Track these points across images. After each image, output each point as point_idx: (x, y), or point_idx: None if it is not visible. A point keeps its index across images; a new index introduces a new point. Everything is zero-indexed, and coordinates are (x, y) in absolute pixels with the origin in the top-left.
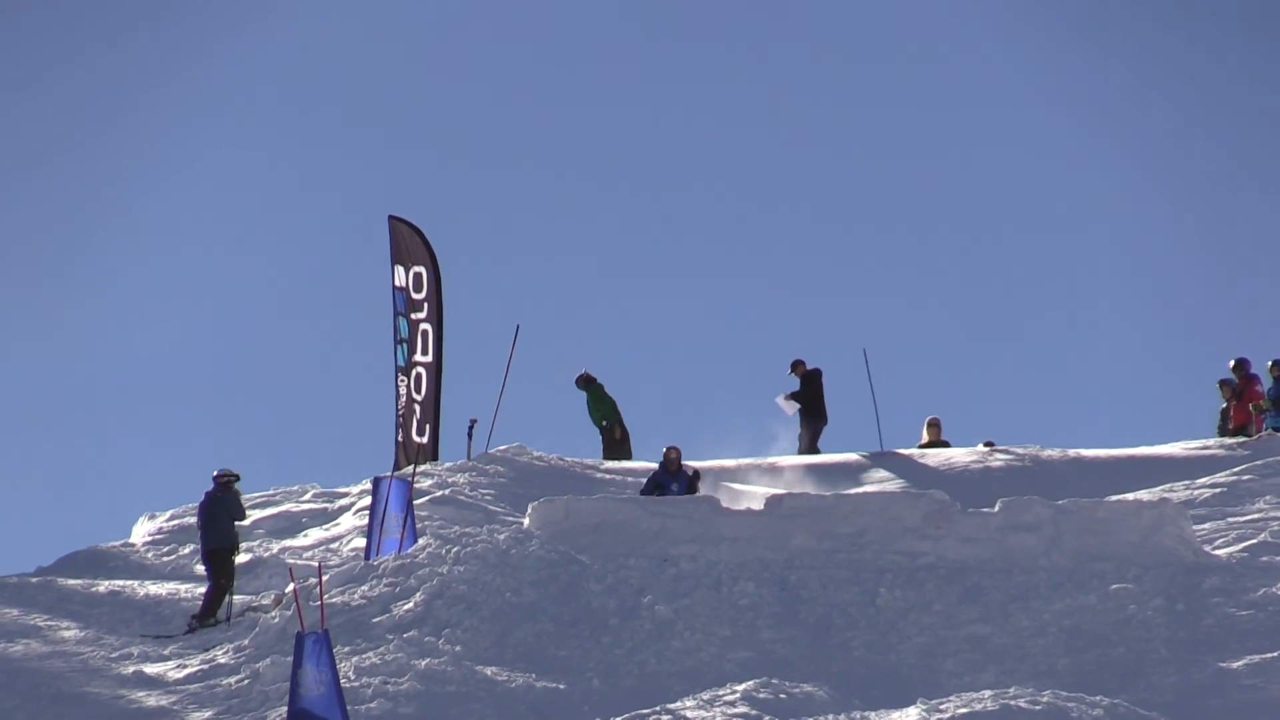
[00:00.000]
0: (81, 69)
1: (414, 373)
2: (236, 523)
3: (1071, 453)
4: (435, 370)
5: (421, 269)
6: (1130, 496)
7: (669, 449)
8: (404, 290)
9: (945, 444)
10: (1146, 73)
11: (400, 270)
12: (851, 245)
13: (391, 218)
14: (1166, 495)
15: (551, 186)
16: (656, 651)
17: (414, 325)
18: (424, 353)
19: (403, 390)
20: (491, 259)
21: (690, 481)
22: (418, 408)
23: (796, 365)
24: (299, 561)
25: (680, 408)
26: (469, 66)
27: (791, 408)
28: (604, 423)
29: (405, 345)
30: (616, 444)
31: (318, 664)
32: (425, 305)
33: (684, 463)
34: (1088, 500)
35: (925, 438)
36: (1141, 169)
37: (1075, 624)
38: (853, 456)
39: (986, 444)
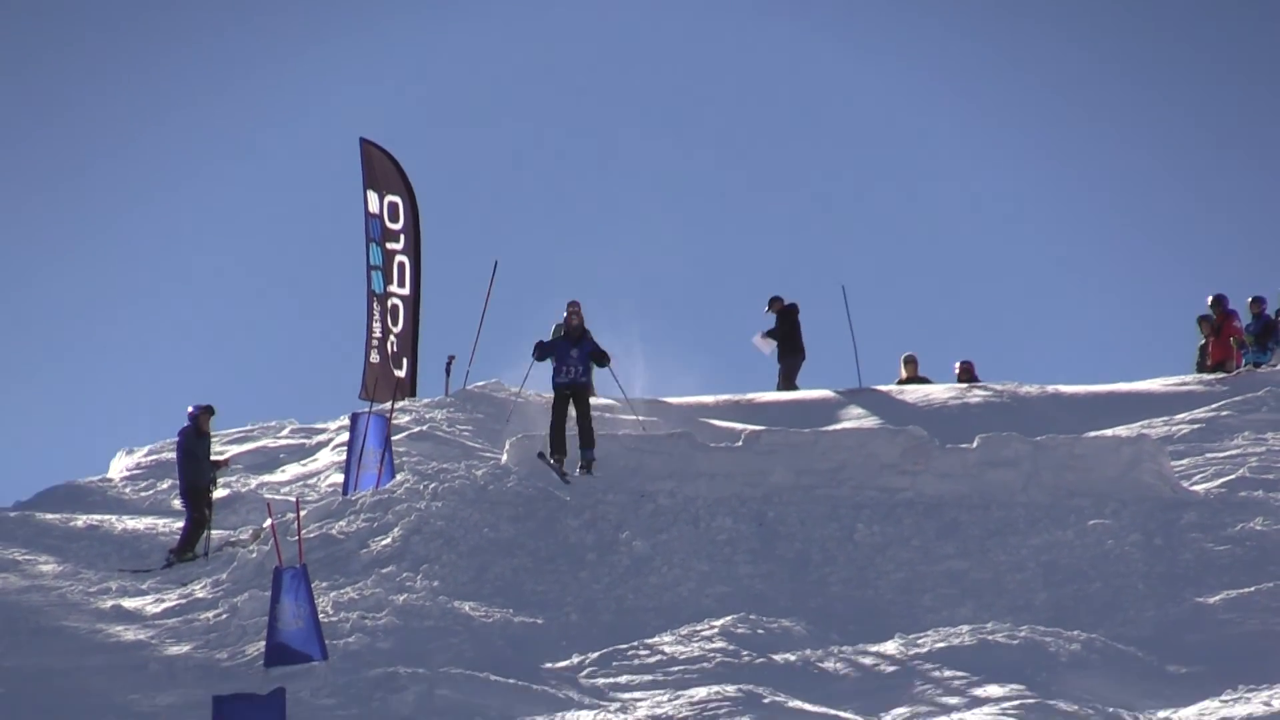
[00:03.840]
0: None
1: (390, 303)
2: (213, 458)
3: (1050, 389)
4: (413, 304)
5: (397, 199)
6: (1109, 432)
7: (570, 312)
8: (378, 217)
9: (924, 380)
10: None
11: (373, 196)
12: (829, 181)
13: (363, 141)
14: (1145, 431)
15: (529, 119)
16: (634, 586)
17: (389, 255)
18: (401, 285)
19: (376, 315)
20: (468, 191)
21: (595, 350)
22: (394, 340)
23: (774, 302)
24: (277, 497)
25: (658, 344)
26: None
27: (768, 346)
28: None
29: (379, 272)
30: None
31: (296, 598)
32: (402, 237)
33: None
34: (1066, 436)
35: (903, 374)
36: (1124, 103)
37: (1053, 559)
38: (831, 393)
39: (963, 365)
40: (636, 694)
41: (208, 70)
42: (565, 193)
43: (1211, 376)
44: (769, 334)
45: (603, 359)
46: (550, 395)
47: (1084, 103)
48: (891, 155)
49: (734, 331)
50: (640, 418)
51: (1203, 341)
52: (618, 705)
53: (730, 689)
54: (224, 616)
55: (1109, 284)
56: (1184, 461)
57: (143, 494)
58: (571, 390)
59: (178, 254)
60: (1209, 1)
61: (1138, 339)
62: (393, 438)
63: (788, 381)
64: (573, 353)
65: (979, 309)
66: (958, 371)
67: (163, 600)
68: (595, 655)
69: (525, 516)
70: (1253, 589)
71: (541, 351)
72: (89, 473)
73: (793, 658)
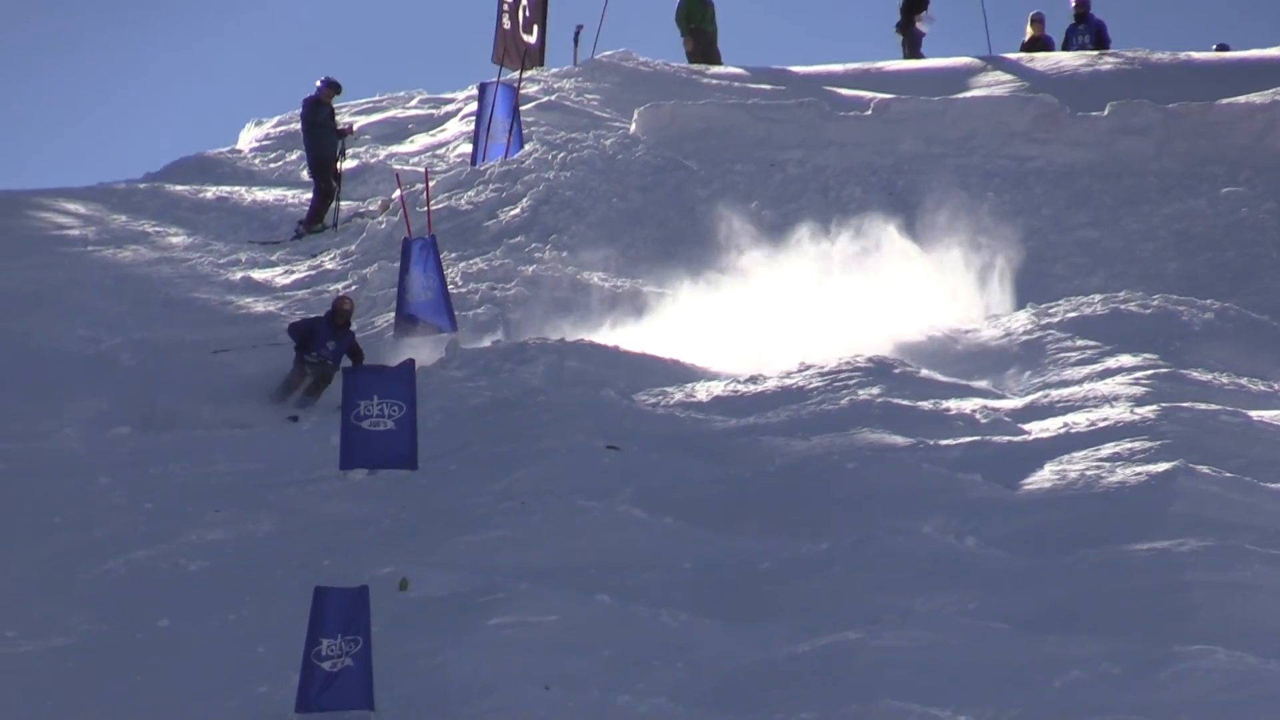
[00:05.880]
0: None
1: None
2: (339, 128)
3: (1182, 55)
4: None
5: None
6: (1241, 99)
7: (341, 299)
8: None
9: (1048, 40)
10: None
11: None
12: None
13: None
14: (1278, 98)
15: None
16: (763, 255)
17: None
18: None
19: None
20: None
21: (353, 347)
22: (525, 5)
23: None
24: (405, 168)
25: (786, 16)
26: None
27: (928, 25)
28: (693, 26)
29: None
30: (706, 50)
31: (425, 269)
32: None
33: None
34: (1198, 103)
35: (1029, 33)
36: None
37: (1185, 228)
38: (960, 60)
39: (1033, 17)
40: (766, 365)
41: None
42: None
43: None
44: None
45: (358, 357)
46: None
47: None
48: None
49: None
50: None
51: None
52: (748, 377)
53: (861, 359)
54: (353, 288)
55: None
56: None
57: (272, 165)
58: (319, 367)
59: None
60: None
61: (1271, 4)
62: (521, 107)
63: (914, 50)
64: (329, 344)
65: None
66: (1029, 22)
67: (292, 272)
68: (725, 325)
69: (654, 186)
70: None
71: (297, 335)
72: (218, 144)
73: (924, 326)
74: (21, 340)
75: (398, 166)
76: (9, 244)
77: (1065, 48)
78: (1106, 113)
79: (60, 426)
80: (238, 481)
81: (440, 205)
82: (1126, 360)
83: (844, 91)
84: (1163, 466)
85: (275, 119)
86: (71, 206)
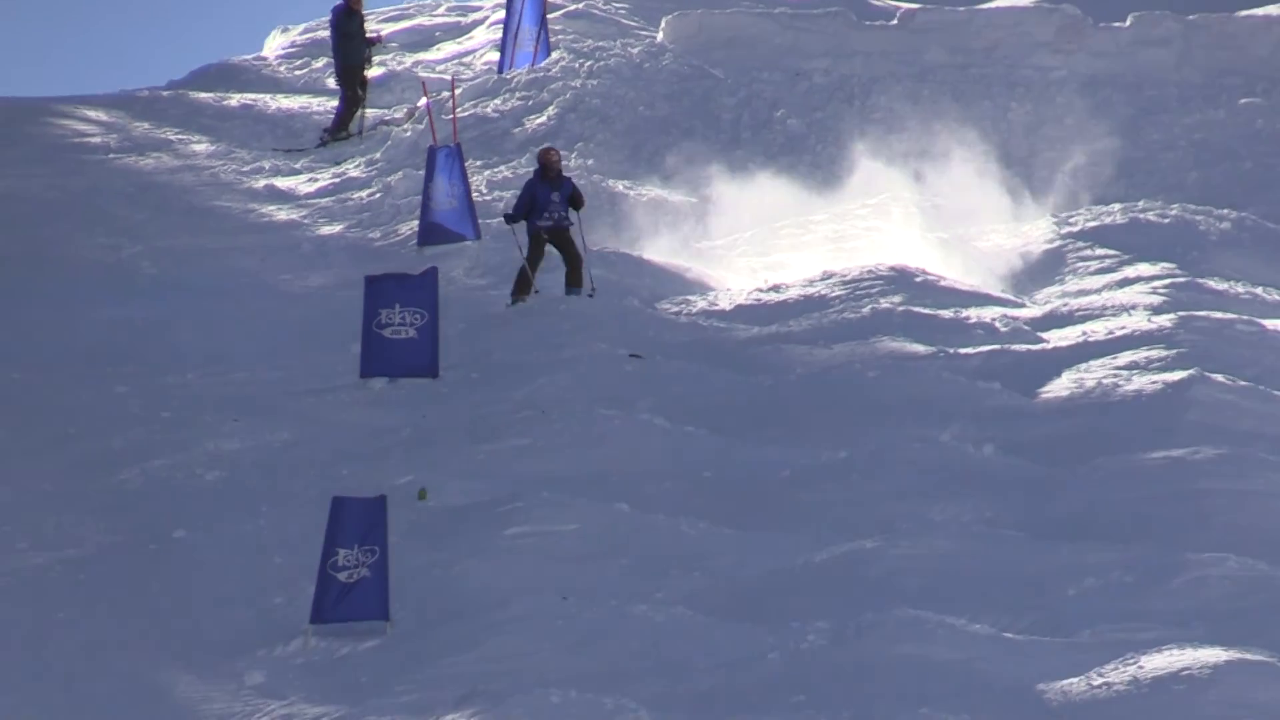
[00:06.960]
0: None
1: None
2: (367, 36)
3: None
4: None
5: None
6: (1260, 12)
7: (547, 150)
8: None
9: None
10: None
11: None
12: None
13: None
14: None
15: None
16: (788, 164)
17: None
18: None
19: None
20: None
21: (574, 193)
22: None
23: None
24: (432, 75)
25: None
26: None
27: None
28: None
29: None
30: None
31: (449, 177)
32: None
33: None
34: (1219, 14)
35: None
36: None
37: (1204, 138)
38: None
39: None
40: (788, 273)
41: None
42: None
43: None
44: None
45: (580, 202)
46: None
47: None
48: None
49: None
50: (592, 282)
51: None
52: (770, 286)
53: (883, 267)
54: (377, 196)
55: None
56: None
57: (297, 73)
58: (553, 234)
59: None
60: None
61: None
62: (549, 15)
63: None
64: (554, 196)
65: None
66: None
67: (316, 180)
68: (748, 234)
69: (680, 95)
70: None
71: (520, 208)
72: (243, 51)
73: (945, 235)
74: (43, 248)
75: (424, 74)
76: (31, 152)
77: None
78: (1128, 24)
79: (78, 335)
80: (256, 391)
81: (466, 113)
82: (1145, 269)
83: (871, 1)
84: (1179, 375)
85: (301, 26)
86: (94, 114)
